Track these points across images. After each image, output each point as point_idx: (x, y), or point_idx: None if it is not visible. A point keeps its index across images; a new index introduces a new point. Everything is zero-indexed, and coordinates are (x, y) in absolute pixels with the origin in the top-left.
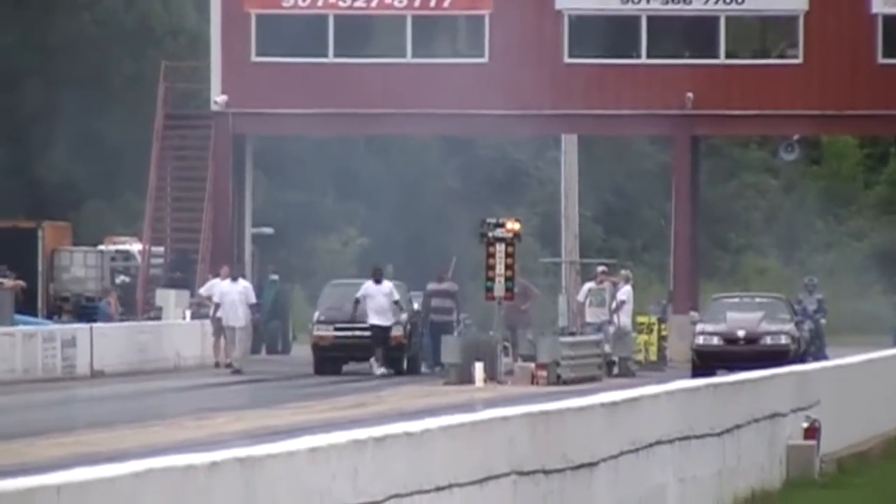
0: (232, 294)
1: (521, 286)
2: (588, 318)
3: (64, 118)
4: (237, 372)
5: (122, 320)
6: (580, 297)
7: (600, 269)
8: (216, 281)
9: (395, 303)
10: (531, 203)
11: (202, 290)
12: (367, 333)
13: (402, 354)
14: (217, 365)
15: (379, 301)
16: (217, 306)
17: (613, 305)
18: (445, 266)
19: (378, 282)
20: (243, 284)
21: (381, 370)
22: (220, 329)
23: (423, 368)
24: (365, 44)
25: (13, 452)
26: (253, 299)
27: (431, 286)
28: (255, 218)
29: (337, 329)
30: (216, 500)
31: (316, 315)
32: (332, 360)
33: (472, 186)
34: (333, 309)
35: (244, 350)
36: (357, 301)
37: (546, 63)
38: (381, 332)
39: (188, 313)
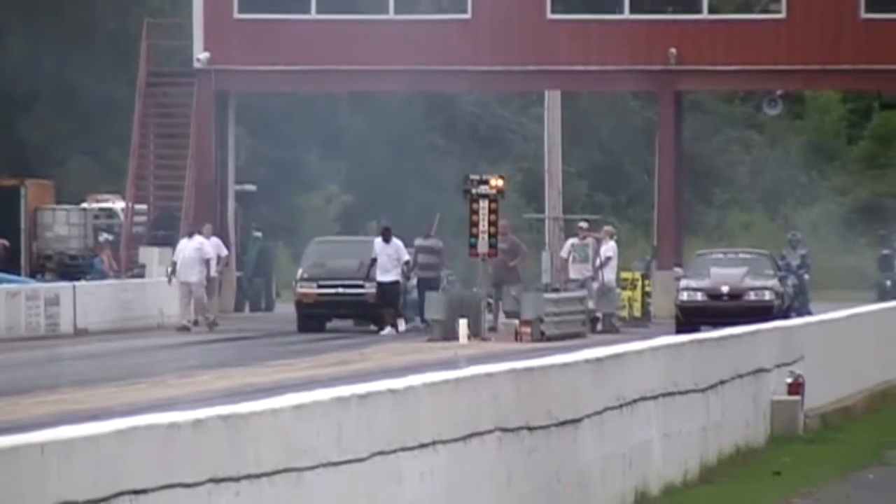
0: (187, 251)
1: (511, 243)
2: (571, 275)
3: (47, 76)
4: (213, 327)
5: (116, 277)
6: (563, 254)
7: (582, 224)
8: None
9: (406, 263)
10: (515, 159)
11: None
12: (349, 291)
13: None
14: (195, 323)
15: (383, 260)
16: (174, 265)
17: (598, 262)
18: (430, 222)
19: (387, 241)
20: (199, 240)
21: (387, 330)
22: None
23: (407, 325)
24: (348, 0)
25: None
26: (208, 254)
27: (418, 242)
28: (238, 175)
29: (320, 286)
30: (201, 458)
31: (299, 272)
32: (315, 317)
33: (456, 143)
34: (317, 266)
35: (202, 305)
36: (374, 260)
37: (529, 19)
38: (383, 289)
39: (169, 271)
